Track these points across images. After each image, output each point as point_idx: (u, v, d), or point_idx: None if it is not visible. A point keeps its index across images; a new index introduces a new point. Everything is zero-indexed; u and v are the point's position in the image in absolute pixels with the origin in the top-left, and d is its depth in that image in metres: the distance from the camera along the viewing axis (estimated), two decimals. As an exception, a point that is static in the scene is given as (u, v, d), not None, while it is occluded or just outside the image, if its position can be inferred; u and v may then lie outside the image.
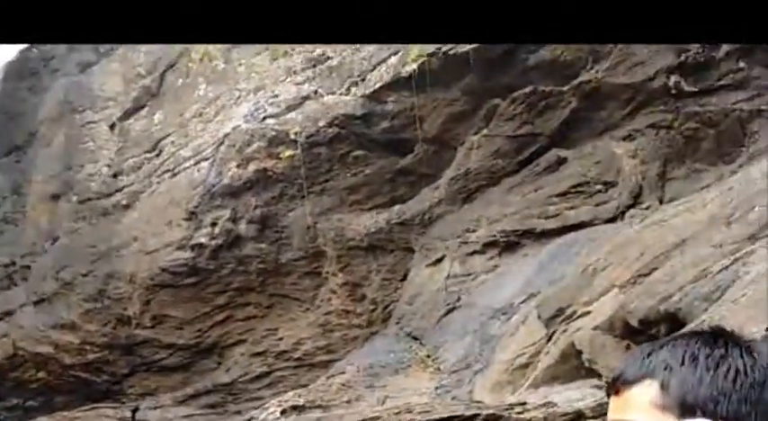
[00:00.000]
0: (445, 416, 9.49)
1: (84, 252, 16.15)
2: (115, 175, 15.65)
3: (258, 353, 15.63)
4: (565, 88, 11.29)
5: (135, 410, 16.89)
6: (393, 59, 12.01)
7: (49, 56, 17.54)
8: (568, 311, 10.53)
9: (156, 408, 16.75)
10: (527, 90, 11.48)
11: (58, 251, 16.63)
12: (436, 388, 11.97)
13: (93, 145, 15.83)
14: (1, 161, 17.67)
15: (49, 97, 16.77)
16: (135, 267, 15.50)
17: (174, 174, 14.69)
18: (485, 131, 11.93)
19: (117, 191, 15.71)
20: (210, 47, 13.43)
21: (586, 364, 10.11)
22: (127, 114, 15.38)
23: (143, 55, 15.25)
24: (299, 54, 12.83)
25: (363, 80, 12.26)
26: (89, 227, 16.21)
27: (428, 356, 12.66)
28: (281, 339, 15.39)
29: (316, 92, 12.67)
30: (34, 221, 17.33)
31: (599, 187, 11.23)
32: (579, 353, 10.20)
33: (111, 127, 15.56)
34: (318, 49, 12.66)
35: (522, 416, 9.12)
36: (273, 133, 13.18)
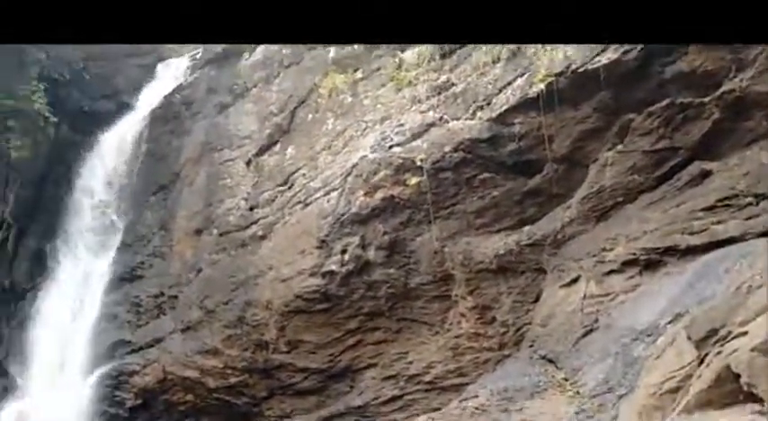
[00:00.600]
0: (592, 442, 8.39)
1: (224, 282, 16.06)
2: (251, 209, 15.53)
3: (389, 377, 14.90)
4: (706, 99, 10.10)
5: (273, 431, 16.55)
6: (519, 81, 11.21)
7: (190, 100, 17.84)
8: (722, 332, 9.17)
9: (293, 430, 16.33)
10: (664, 103, 10.36)
11: (201, 281, 16.65)
12: (576, 412, 10.77)
13: (231, 181, 15.81)
14: (150, 200, 18.02)
15: (191, 139, 16.99)
16: (271, 295, 15.22)
17: (306, 205, 14.37)
18: (619, 147, 10.86)
19: (253, 223, 15.58)
20: (338, 81, 13.10)
21: (745, 388, 8.73)
22: (261, 151, 15.28)
23: (275, 94, 15.16)
24: (423, 83, 12.26)
25: (489, 104, 11.49)
26: (229, 258, 16.13)
27: (565, 379, 11.49)
28: (411, 363, 14.61)
29: (441, 118, 12.02)
30: (180, 254, 17.49)
31: (749, 200, 9.88)
32: (736, 376, 8.83)
33: (248, 163, 15.50)
34: (443, 77, 12.05)
35: (676, 443, 7.92)
36: (400, 161, 12.60)
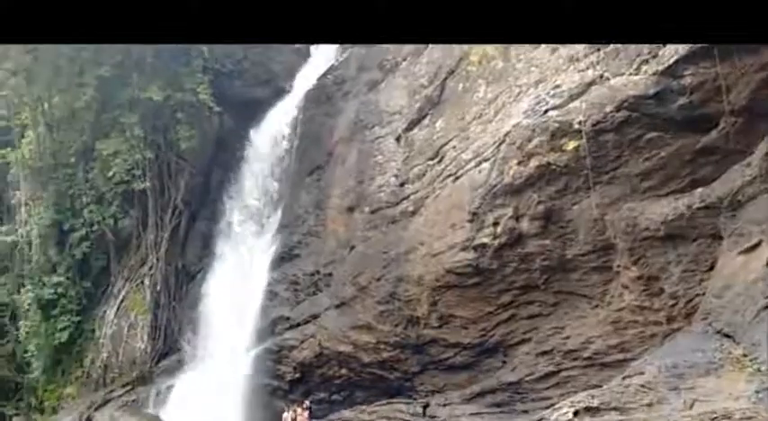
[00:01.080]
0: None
1: (376, 258, 15.97)
2: (402, 184, 15.30)
3: (544, 352, 14.09)
4: None
5: (425, 406, 16.22)
6: (690, 29, 10.03)
7: (341, 79, 17.92)
8: None
9: (444, 405, 15.89)
10: None
11: (354, 258, 16.68)
12: (757, 391, 9.52)
13: (382, 158, 15.64)
14: (305, 181, 18.31)
15: (342, 118, 17.05)
16: (422, 270, 14.90)
17: (457, 178, 13.90)
18: (808, 94, 9.46)
19: (404, 199, 15.35)
20: (489, 48, 12.48)
21: None
22: (411, 125, 14.99)
23: (424, 66, 14.81)
24: (581, 40, 11.32)
25: (655, 56, 10.42)
26: (380, 234, 16.01)
27: (744, 356, 10.20)
28: (567, 338, 13.71)
29: (601, 76, 11.09)
30: (334, 233, 17.63)
31: None
32: None
33: (398, 139, 15.26)
34: (602, 31, 11.05)
35: None
36: (556, 125, 11.79)
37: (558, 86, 11.66)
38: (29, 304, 22.12)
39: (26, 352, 22.52)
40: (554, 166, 12.04)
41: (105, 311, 22.32)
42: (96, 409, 19.36)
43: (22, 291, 22.66)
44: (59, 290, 22.04)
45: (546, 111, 11.80)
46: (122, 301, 22.36)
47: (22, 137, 23.65)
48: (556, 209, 12.46)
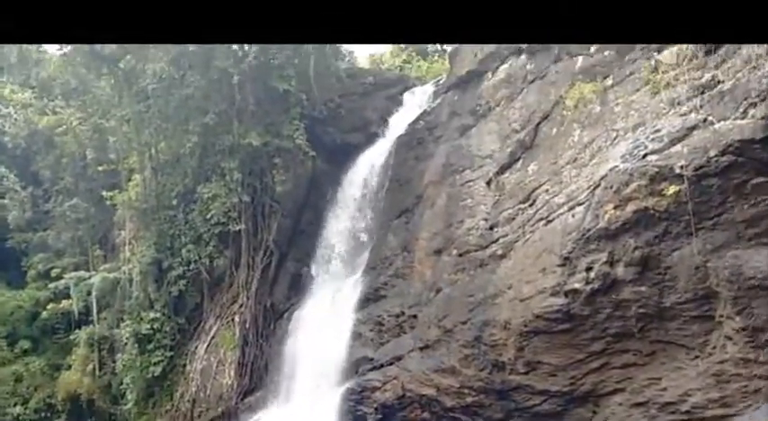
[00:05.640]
0: None
1: (463, 301, 15.56)
2: (491, 228, 14.95)
3: (639, 404, 13.18)
4: None
5: (507, 456, 15.43)
6: (802, 71, 9.52)
7: (433, 125, 17.96)
8: None
9: (529, 456, 15.09)
10: None
11: (440, 301, 16.31)
12: None
13: (472, 201, 15.40)
14: (393, 223, 18.24)
15: (433, 162, 16.99)
16: (509, 314, 14.37)
17: (548, 222, 13.45)
18: None
19: (493, 242, 14.97)
20: (586, 91, 12.21)
21: None
22: (502, 169, 14.74)
23: (518, 111, 14.62)
24: (683, 83, 10.94)
25: (764, 100, 9.85)
26: (467, 277, 15.63)
27: None
28: (664, 389, 12.81)
29: (705, 120, 10.57)
30: (420, 275, 17.38)
31: None
32: None
33: (488, 183, 15.01)
34: (707, 75, 10.64)
35: None
36: (655, 170, 11.28)
37: (657, 131, 11.18)
38: (127, 338, 22.75)
39: (121, 384, 23.03)
40: (653, 211, 11.48)
41: (197, 347, 22.62)
42: (183, 442, 19.28)
43: (121, 325, 23.37)
44: (155, 325, 22.54)
45: (645, 156, 11.32)
46: (213, 338, 22.63)
47: (129, 180, 24.83)
48: (654, 255, 11.83)
